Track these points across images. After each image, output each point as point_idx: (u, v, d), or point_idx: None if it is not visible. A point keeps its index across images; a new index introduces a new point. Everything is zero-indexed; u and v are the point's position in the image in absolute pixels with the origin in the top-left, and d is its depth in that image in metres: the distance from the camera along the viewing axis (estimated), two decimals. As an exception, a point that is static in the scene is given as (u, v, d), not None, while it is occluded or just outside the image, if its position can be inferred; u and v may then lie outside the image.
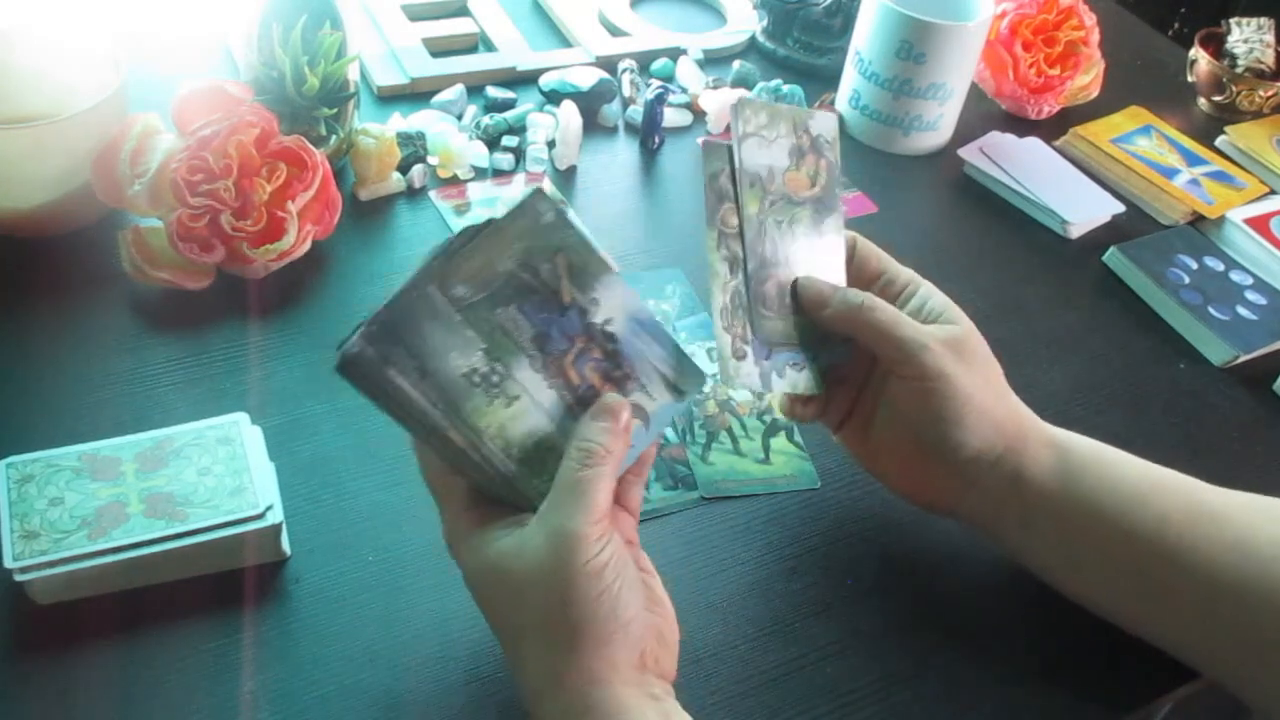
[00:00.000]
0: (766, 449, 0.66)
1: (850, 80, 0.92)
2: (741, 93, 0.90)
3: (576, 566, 0.44)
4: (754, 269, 0.55)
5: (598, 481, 0.45)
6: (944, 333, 0.55)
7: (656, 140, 0.88)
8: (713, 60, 0.99)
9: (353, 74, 0.76)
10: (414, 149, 0.80)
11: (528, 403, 0.47)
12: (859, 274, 0.59)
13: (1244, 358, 0.77)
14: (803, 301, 0.56)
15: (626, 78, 0.91)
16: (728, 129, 0.56)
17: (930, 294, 0.57)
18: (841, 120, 0.93)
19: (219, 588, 0.54)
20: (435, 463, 0.49)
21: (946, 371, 0.53)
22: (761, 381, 0.55)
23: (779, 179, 0.56)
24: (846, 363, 0.58)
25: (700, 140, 0.53)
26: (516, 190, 0.82)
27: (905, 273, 0.59)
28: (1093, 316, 0.80)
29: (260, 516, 0.54)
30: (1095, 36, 0.97)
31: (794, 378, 0.56)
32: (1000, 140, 0.92)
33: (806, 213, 0.57)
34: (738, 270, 0.54)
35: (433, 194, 0.80)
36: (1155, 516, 0.53)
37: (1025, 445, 0.55)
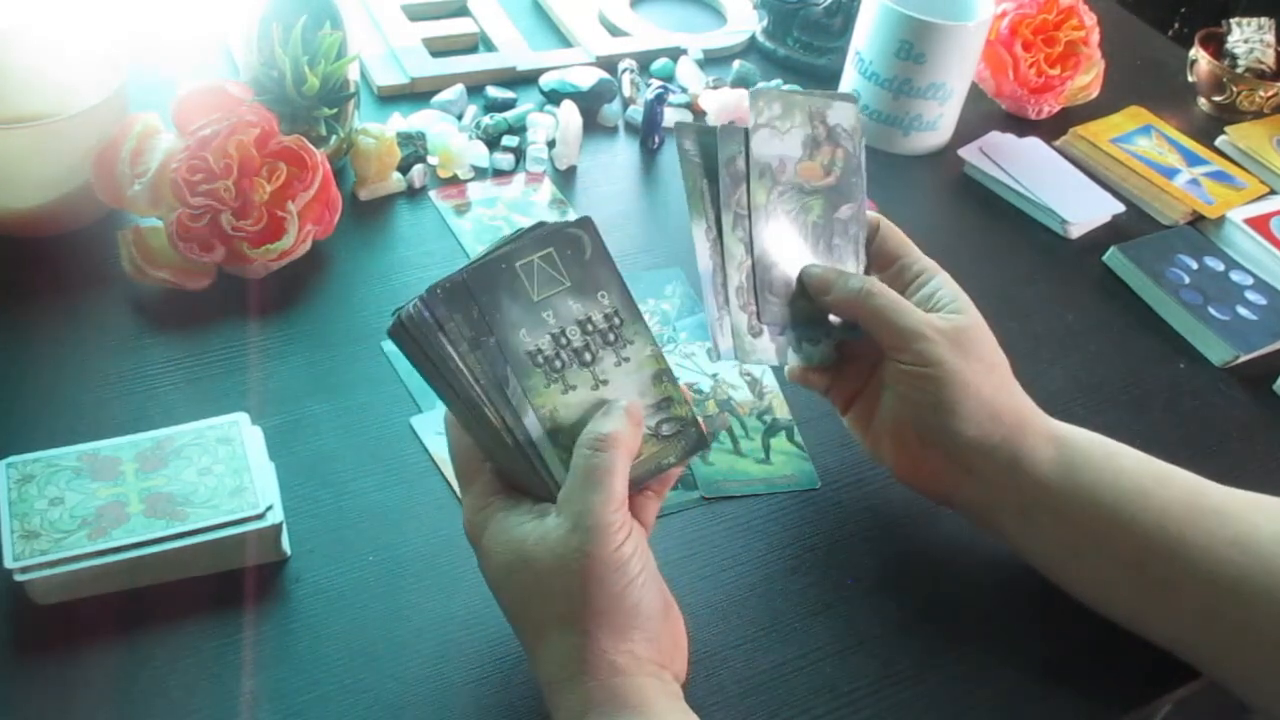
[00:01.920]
0: (766, 449, 0.66)
1: (850, 80, 0.92)
2: (742, 93, 0.90)
3: (602, 556, 0.44)
4: (759, 255, 0.56)
5: (612, 466, 0.46)
6: (946, 322, 0.55)
7: (656, 140, 0.88)
8: (713, 60, 0.99)
9: (353, 74, 0.76)
10: (414, 149, 0.80)
11: (584, 395, 0.48)
12: (878, 256, 0.60)
13: (1244, 358, 0.77)
14: (808, 288, 0.57)
15: (626, 78, 0.91)
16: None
17: (942, 284, 0.58)
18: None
19: (219, 588, 0.54)
20: (465, 445, 0.50)
21: (943, 359, 0.54)
22: (778, 355, 0.57)
23: (791, 169, 0.57)
24: (858, 340, 0.59)
25: (718, 125, 0.54)
26: (516, 190, 0.82)
27: (922, 261, 0.59)
28: (1093, 316, 0.80)
29: (260, 516, 0.54)
30: (1095, 36, 0.97)
31: (809, 351, 0.58)
32: (1000, 140, 0.92)
33: (819, 201, 0.58)
34: (749, 253, 0.56)
35: (433, 194, 0.80)
36: (1156, 510, 0.53)
37: (1024, 436, 0.55)
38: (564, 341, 0.48)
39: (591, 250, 0.50)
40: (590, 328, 0.49)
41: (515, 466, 0.48)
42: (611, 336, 0.49)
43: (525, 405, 0.47)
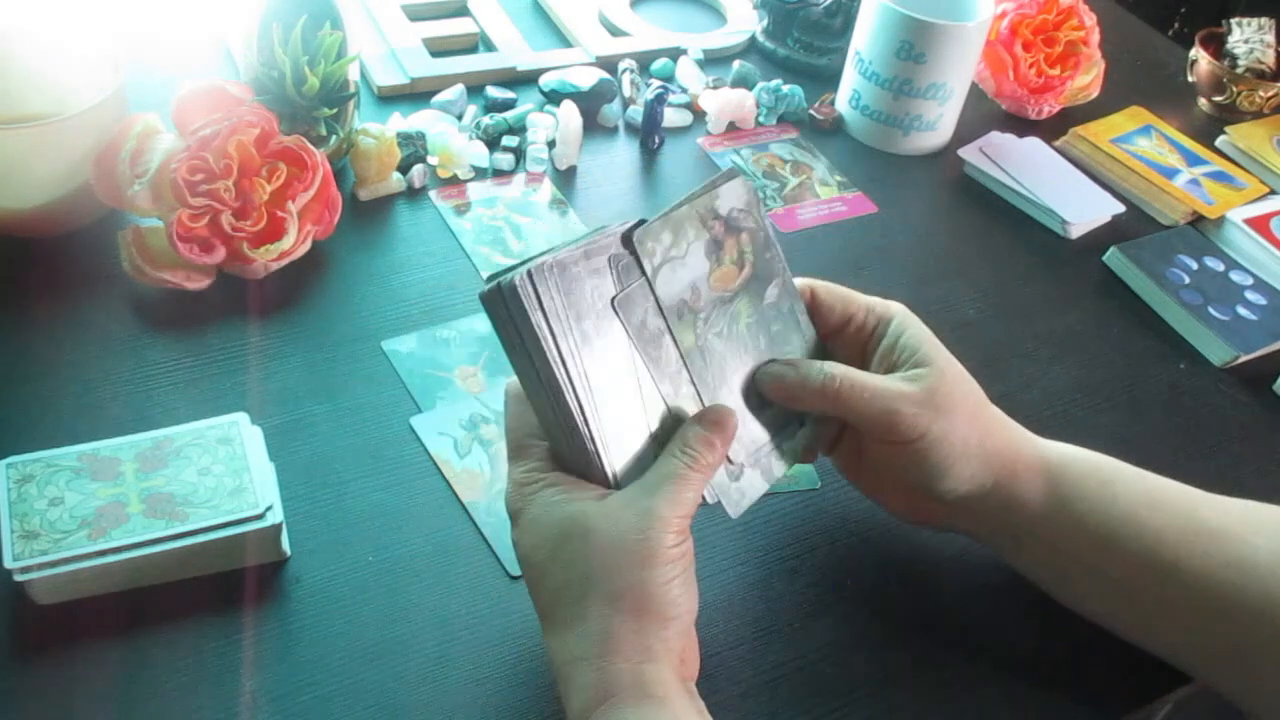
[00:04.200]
0: (766, 449, 0.66)
1: (850, 80, 0.92)
2: (742, 93, 0.90)
3: (662, 547, 0.45)
4: (709, 398, 0.52)
5: (693, 480, 0.47)
6: (917, 386, 0.52)
7: (656, 140, 0.88)
8: (713, 60, 0.99)
9: (353, 74, 0.76)
10: (414, 149, 0.80)
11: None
12: (823, 323, 0.57)
13: (1244, 358, 0.77)
14: (768, 397, 0.54)
15: (626, 78, 0.91)
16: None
17: (902, 328, 0.54)
18: (841, 120, 0.94)
19: (219, 588, 0.54)
20: (523, 420, 0.50)
21: (925, 430, 0.52)
22: (765, 480, 0.54)
23: (704, 289, 0.52)
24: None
25: (611, 301, 0.48)
26: (516, 190, 0.82)
27: (874, 309, 0.56)
28: (1093, 316, 0.80)
29: (260, 517, 0.54)
30: (1095, 36, 0.97)
31: (792, 449, 0.56)
32: (1000, 140, 0.92)
33: (744, 302, 0.53)
34: (700, 404, 0.51)
35: (433, 194, 0.80)
36: (1150, 537, 0.53)
37: (1015, 475, 0.55)
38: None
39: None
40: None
41: (578, 452, 0.48)
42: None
43: (603, 396, 0.47)
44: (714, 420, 0.49)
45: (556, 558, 0.47)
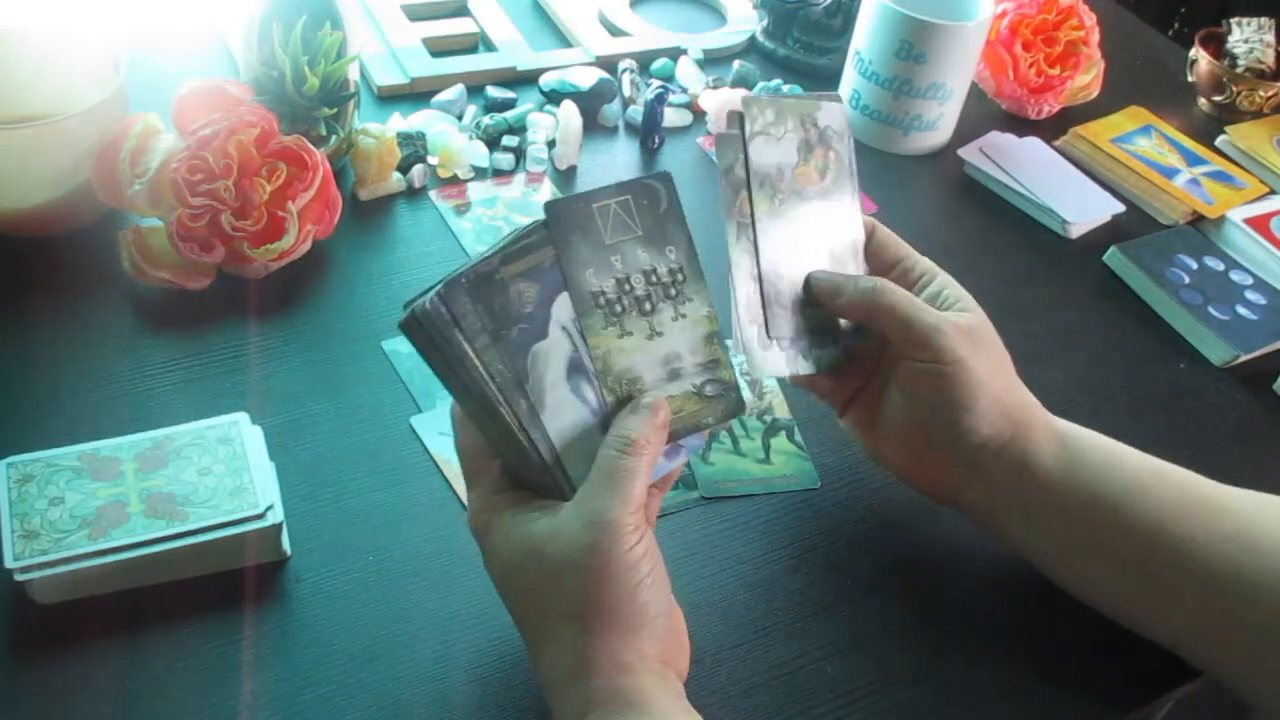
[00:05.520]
0: (767, 449, 0.66)
1: (850, 80, 0.92)
2: (742, 93, 0.90)
3: (615, 554, 0.44)
4: (766, 268, 0.55)
5: (636, 472, 0.46)
6: (959, 319, 0.55)
7: (656, 140, 0.88)
8: (713, 60, 0.99)
9: (353, 74, 0.76)
10: (414, 149, 0.80)
11: (637, 342, 0.49)
12: (876, 261, 0.59)
13: (1244, 358, 0.77)
14: (816, 296, 0.57)
15: (626, 77, 0.91)
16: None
17: (946, 284, 0.58)
18: (842, 119, 0.94)
19: (219, 588, 0.54)
20: (474, 441, 0.49)
21: (960, 355, 0.53)
22: (787, 366, 0.56)
23: (788, 175, 0.56)
24: (863, 342, 0.58)
25: (712, 133, 0.53)
26: (517, 190, 0.82)
27: (923, 262, 0.59)
28: (1093, 316, 0.80)
29: (261, 516, 0.54)
30: (1095, 36, 0.97)
31: (818, 356, 0.57)
32: (1000, 140, 0.92)
33: (815, 207, 0.57)
34: (756, 265, 0.55)
35: (433, 194, 0.80)
36: (1154, 505, 0.53)
37: (1030, 433, 0.55)
38: (627, 288, 0.49)
39: (666, 205, 0.50)
40: (654, 279, 0.49)
41: (525, 465, 0.48)
42: (673, 291, 0.50)
43: (541, 403, 0.47)
44: (646, 404, 0.48)
45: (516, 584, 0.47)
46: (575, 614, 0.45)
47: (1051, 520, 0.55)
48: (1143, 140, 0.95)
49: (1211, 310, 0.80)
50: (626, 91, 0.91)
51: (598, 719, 0.43)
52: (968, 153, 0.91)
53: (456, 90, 0.88)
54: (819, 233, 0.58)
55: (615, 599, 0.44)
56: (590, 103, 0.88)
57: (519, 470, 0.48)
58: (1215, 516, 0.53)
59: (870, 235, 0.60)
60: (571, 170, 0.84)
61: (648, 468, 0.47)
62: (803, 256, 0.57)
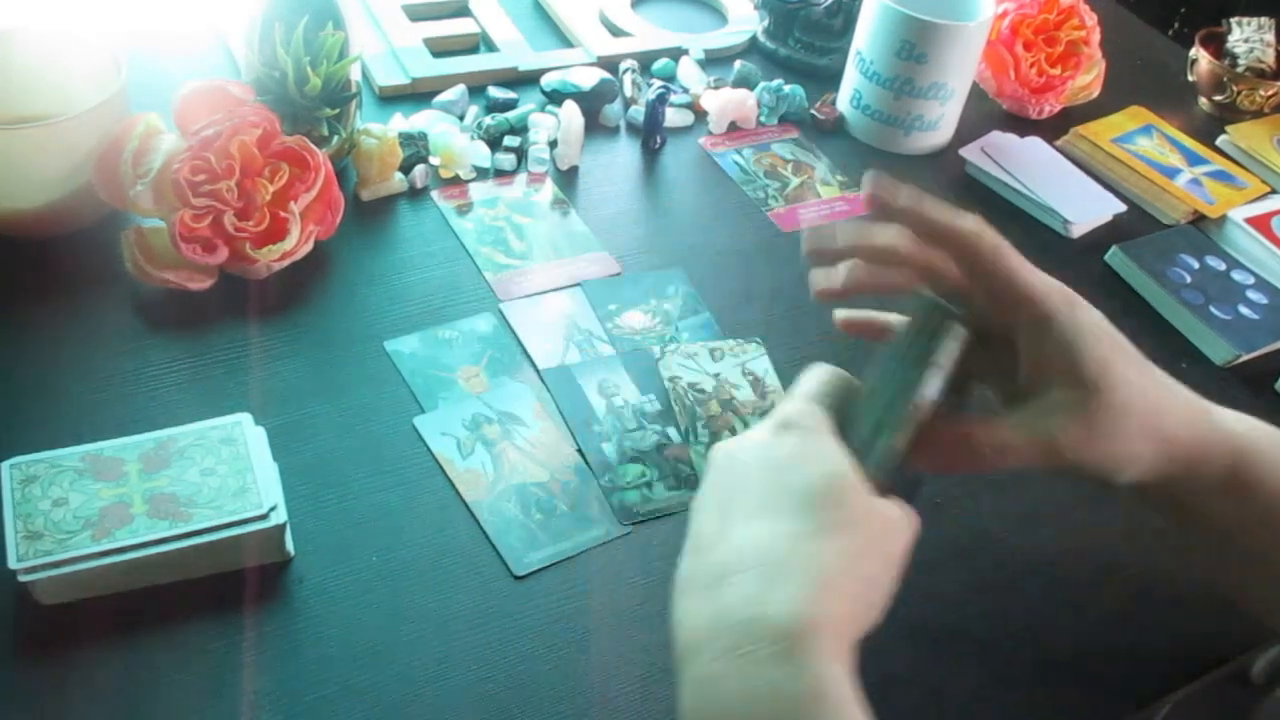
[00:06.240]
0: (769, 449, 0.66)
1: (851, 80, 0.92)
2: (743, 93, 0.90)
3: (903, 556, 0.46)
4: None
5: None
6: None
7: (658, 140, 0.88)
8: (714, 60, 0.99)
9: (355, 74, 0.76)
10: (416, 149, 0.80)
11: None
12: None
13: (1245, 357, 0.77)
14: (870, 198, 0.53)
15: (628, 78, 0.91)
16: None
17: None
18: (842, 119, 0.94)
19: (222, 588, 0.54)
20: (842, 383, 0.50)
21: (1071, 304, 0.56)
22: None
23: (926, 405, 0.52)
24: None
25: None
26: (518, 190, 0.82)
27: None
28: (1094, 316, 0.80)
29: (264, 517, 0.54)
30: (1096, 36, 0.97)
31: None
32: (1001, 140, 0.93)
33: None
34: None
35: (434, 194, 0.80)
36: None
37: (1197, 470, 0.50)
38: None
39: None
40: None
41: (862, 441, 0.49)
42: None
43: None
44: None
45: (826, 507, 0.47)
46: (852, 572, 0.46)
47: (1216, 545, 0.53)
48: (1144, 140, 0.95)
49: (1213, 310, 0.80)
50: (628, 92, 0.91)
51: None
52: (969, 153, 0.91)
53: (458, 90, 0.88)
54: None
55: (886, 590, 0.47)
56: (592, 103, 0.88)
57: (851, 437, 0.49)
58: None
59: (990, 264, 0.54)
60: (573, 170, 0.84)
61: None
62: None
